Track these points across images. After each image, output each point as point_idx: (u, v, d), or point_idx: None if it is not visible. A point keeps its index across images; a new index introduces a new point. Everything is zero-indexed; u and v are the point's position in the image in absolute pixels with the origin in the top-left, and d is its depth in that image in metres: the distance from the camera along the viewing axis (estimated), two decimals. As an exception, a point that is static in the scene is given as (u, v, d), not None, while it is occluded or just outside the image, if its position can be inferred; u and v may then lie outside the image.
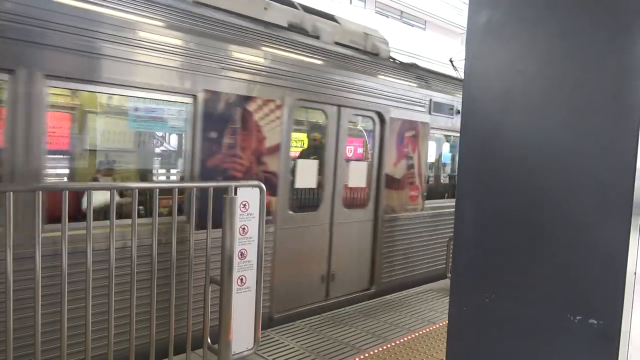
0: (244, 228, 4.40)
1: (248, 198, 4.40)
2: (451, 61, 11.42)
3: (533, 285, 1.49)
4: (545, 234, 1.48)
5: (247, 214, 4.42)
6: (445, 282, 7.36)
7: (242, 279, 4.42)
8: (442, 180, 8.73)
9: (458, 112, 7.78)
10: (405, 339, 5.17)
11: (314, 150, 6.20)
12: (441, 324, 5.65)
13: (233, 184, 4.31)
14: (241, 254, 4.40)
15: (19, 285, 3.35)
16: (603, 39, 1.38)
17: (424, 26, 33.15)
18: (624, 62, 1.34)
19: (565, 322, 1.42)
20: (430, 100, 7.30)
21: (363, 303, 6.29)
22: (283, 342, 4.91)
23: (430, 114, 7.30)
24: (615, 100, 1.36)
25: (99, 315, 3.75)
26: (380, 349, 4.87)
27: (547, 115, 1.46)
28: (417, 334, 5.30)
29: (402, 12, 31.68)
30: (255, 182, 4.54)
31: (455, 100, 7.87)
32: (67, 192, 3.42)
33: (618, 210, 1.34)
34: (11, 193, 3.17)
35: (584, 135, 1.40)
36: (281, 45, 5.43)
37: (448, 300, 5.87)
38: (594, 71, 1.40)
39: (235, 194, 4.24)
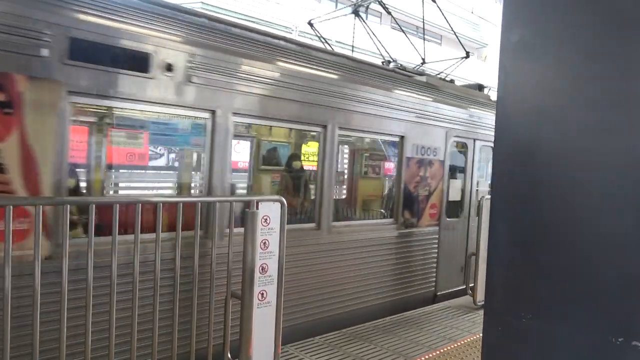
0: (265, 242, 4.41)
1: (269, 212, 4.42)
2: (311, 24, 9.42)
3: (572, 305, 1.46)
4: (583, 253, 1.45)
5: (268, 229, 4.43)
6: (466, 299, 7.25)
7: (262, 294, 4.41)
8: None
9: (170, 68, 4.21)
10: (426, 357, 5.08)
11: None
12: (462, 342, 5.55)
13: (255, 198, 4.34)
14: (262, 269, 4.40)
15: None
16: (638, 57, 1.37)
17: (439, 41, 33.23)
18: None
19: (606, 344, 1.39)
20: (65, 35, 3.63)
21: (381, 319, 6.21)
22: (303, 358, 4.87)
23: (63, 63, 3.63)
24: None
25: (121, 329, 3.76)
26: (401, 367, 4.80)
27: (582, 134, 1.45)
28: (438, 352, 5.22)
29: (417, 27, 31.80)
30: (276, 197, 4.55)
31: (165, 49, 4.18)
32: (93, 205, 3.48)
33: (661, 230, 1.32)
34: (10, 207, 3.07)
35: (620, 154, 1.38)
36: None
37: (468, 317, 5.74)
38: (629, 90, 1.38)
39: (257, 208, 4.26)
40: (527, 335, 1.54)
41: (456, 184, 7.92)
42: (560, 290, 1.48)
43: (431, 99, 7.17)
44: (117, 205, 3.62)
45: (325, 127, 5.64)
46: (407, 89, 6.86)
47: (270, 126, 6.59)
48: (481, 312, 6.70)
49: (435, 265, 7.37)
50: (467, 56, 9.19)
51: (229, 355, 4.29)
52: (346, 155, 7.86)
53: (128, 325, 3.70)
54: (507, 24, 1.61)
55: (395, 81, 6.75)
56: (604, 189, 1.41)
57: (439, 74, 8.94)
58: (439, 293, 7.46)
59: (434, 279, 7.37)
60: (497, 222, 1.63)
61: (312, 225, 5.65)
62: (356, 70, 6.18)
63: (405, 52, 10.28)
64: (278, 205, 4.45)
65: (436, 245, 7.36)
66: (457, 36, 9.95)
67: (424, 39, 10.37)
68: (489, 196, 7.15)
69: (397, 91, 6.60)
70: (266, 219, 4.40)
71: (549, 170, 1.51)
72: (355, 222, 6.49)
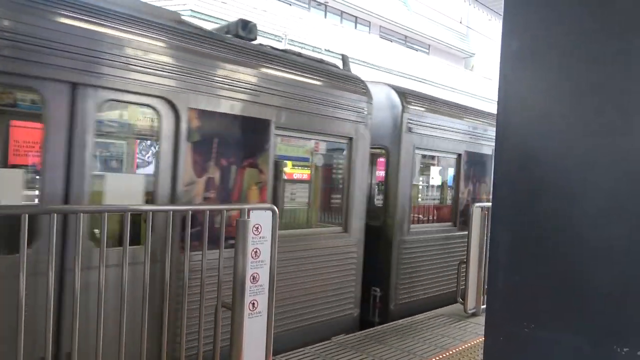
0: (256, 251, 4.35)
1: (261, 221, 4.37)
2: None
3: (575, 314, 1.44)
4: (587, 261, 1.44)
5: (260, 237, 4.37)
6: (456, 307, 7.23)
7: (253, 304, 4.35)
8: None
9: None
10: (419, 366, 5.05)
11: None
12: (454, 351, 5.53)
13: (246, 206, 4.29)
14: (253, 278, 4.34)
15: None
16: (641, 62, 1.37)
17: (427, 50, 33.56)
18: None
19: (611, 354, 1.37)
20: None
21: (373, 328, 6.17)
22: (294, 369, 4.80)
23: None
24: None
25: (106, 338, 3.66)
26: (394, 377, 4.75)
27: (587, 141, 1.44)
28: (430, 361, 5.19)
29: (406, 37, 32.10)
30: (268, 205, 4.51)
31: None
32: (81, 214, 3.40)
33: (665, 238, 1.31)
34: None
35: (626, 161, 1.37)
36: None
37: (460, 325, 5.69)
38: (635, 95, 1.38)
39: (248, 216, 4.21)
40: (530, 345, 1.52)
41: None
42: (564, 299, 1.47)
43: None
44: (106, 214, 3.55)
45: None
46: None
47: None
48: (472, 320, 6.69)
49: None
50: None
51: (219, 366, 4.20)
52: None
53: (116, 335, 3.61)
54: (507, 31, 1.60)
55: None
56: (609, 195, 1.40)
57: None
58: None
59: None
60: (497, 230, 1.61)
61: None
62: None
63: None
64: (270, 213, 4.40)
65: None
66: None
67: None
68: (480, 204, 7.14)
69: None
70: (257, 228, 4.35)
71: (551, 178, 1.50)
72: None
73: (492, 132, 8.60)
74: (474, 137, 8.38)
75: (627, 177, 1.37)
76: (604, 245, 1.41)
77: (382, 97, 7.06)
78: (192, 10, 18.53)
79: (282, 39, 19.70)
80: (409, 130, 7.00)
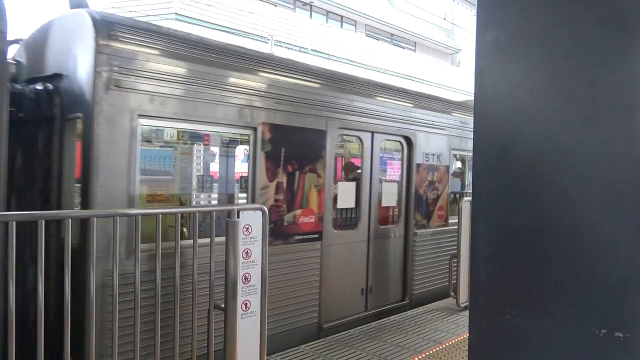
0: (247, 252, 4.37)
1: (251, 221, 4.39)
2: None
3: (555, 300, 1.48)
4: (564, 248, 1.48)
5: (250, 237, 4.39)
6: (449, 301, 7.29)
7: (246, 304, 4.37)
8: None
9: None
10: (412, 360, 5.10)
11: None
12: (447, 344, 5.58)
13: (235, 207, 4.30)
14: (245, 278, 4.35)
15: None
16: (612, 54, 1.41)
17: (414, 48, 33.71)
18: (634, 76, 1.37)
19: (589, 336, 1.41)
20: None
21: (366, 325, 6.20)
22: (289, 368, 4.82)
23: None
24: (627, 113, 1.38)
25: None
26: (388, 372, 4.79)
27: (560, 131, 1.48)
28: (424, 355, 5.23)
29: (392, 34, 32.22)
30: (258, 205, 4.53)
31: None
32: (69, 219, 3.40)
33: (637, 222, 1.35)
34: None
35: (597, 149, 1.42)
36: None
37: (452, 319, 5.74)
38: (604, 86, 1.42)
39: (238, 217, 4.22)
40: (512, 331, 1.56)
41: None
42: (542, 286, 1.51)
43: None
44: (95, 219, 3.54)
45: None
46: None
47: None
48: (464, 313, 6.76)
49: None
50: None
51: (213, 368, 4.20)
52: None
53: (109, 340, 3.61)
54: (482, 25, 1.64)
55: None
56: (582, 184, 1.44)
57: None
58: None
59: None
60: (478, 221, 1.65)
61: None
62: None
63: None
64: (259, 213, 4.42)
65: None
66: None
67: None
68: (468, 199, 7.19)
69: None
70: (248, 228, 4.37)
71: (527, 169, 1.54)
72: None
73: (330, 97, 5.77)
74: (288, 103, 5.36)
75: (602, 166, 1.42)
76: (581, 234, 1.45)
77: (78, 31, 4.21)
78: (176, 13, 18.45)
79: (269, 40, 19.69)
80: (118, 84, 4.01)
